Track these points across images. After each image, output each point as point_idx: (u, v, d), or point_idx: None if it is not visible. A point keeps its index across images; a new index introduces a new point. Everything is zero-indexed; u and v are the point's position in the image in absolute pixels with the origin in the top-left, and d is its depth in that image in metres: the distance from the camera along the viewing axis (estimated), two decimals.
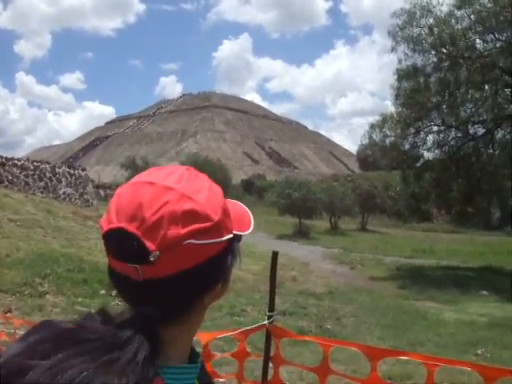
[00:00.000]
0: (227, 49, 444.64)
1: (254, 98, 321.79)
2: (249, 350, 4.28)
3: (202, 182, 1.14)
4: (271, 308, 3.90)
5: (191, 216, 0.99)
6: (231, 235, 1.08)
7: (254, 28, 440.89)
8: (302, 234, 36.54)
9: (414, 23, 23.02)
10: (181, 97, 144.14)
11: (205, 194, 1.08)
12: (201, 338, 4.02)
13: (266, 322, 3.78)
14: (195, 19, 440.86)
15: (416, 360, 3.23)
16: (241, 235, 1.13)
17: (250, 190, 68.28)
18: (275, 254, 3.91)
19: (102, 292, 11.70)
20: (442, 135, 24.57)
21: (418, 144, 24.78)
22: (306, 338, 4.23)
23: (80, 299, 11.23)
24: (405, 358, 3.60)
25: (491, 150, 23.99)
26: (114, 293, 9.14)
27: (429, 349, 9.36)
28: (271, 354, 3.59)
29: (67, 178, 34.82)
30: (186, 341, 1.10)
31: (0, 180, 29.93)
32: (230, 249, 1.09)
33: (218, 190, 1.17)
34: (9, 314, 8.51)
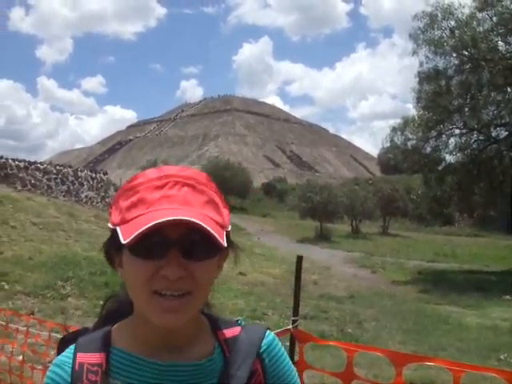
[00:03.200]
0: (247, 52, 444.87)
1: (274, 101, 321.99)
2: None
3: None
4: (295, 312, 3.89)
5: None
6: (111, 226, 1.19)
7: (275, 31, 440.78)
8: (323, 237, 36.45)
9: (436, 26, 22.95)
10: (202, 100, 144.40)
11: None
12: None
13: (290, 326, 3.78)
14: (215, 23, 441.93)
15: (439, 365, 3.21)
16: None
17: (271, 193, 68.23)
18: (300, 259, 3.91)
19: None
20: (463, 138, 24.46)
21: (440, 147, 24.69)
22: (331, 343, 4.20)
23: (101, 302, 11.28)
24: (428, 363, 3.58)
25: None
26: None
27: (451, 353, 9.30)
28: (295, 359, 3.58)
29: (89, 182, 35.07)
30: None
31: (23, 184, 30.20)
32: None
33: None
34: (32, 317, 8.56)
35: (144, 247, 1.11)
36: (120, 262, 1.20)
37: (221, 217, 1.19)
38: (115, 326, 1.29)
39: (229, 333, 1.32)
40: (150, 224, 1.07)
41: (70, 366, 1.20)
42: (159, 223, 1.06)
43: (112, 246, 1.21)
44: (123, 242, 1.10)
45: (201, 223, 1.08)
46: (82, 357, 1.21)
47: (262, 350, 1.30)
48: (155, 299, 1.12)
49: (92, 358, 1.21)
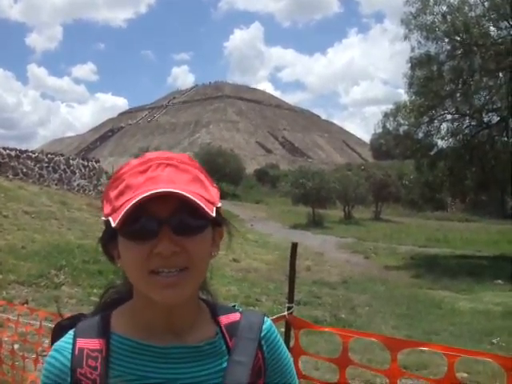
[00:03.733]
0: (238, 38, 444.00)
1: (266, 87, 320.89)
2: None
3: None
4: (291, 299, 3.89)
5: None
6: (104, 218, 1.21)
7: (265, 17, 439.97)
8: (315, 223, 36.52)
9: (428, 11, 22.91)
10: (193, 87, 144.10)
11: None
12: None
13: (285, 312, 3.78)
14: (206, 9, 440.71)
15: (433, 350, 3.23)
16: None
17: (264, 179, 68.18)
18: (294, 246, 3.90)
19: (114, 283, 11.75)
20: (455, 123, 24.49)
21: (432, 132, 24.71)
22: (326, 330, 4.21)
23: (95, 290, 11.27)
24: (423, 348, 3.59)
25: (505, 138, 23.83)
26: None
27: (444, 338, 9.36)
28: (290, 345, 3.59)
29: (81, 170, 34.96)
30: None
31: (15, 172, 30.09)
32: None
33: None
34: (26, 306, 8.57)
35: (136, 230, 1.14)
36: (118, 254, 1.22)
37: (207, 193, 1.21)
38: (114, 311, 1.30)
39: (228, 318, 1.34)
40: (134, 201, 1.10)
41: (70, 351, 1.21)
42: (143, 199, 1.10)
43: (108, 239, 1.23)
44: (113, 226, 1.13)
45: (184, 193, 1.11)
46: (82, 342, 1.22)
47: (261, 336, 1.33)
48: (153, 278, 1.14)
49: (92, 343, 1.22)
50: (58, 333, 1.35)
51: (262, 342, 1.33)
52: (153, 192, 1.10)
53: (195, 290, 1.26)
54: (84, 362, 1.19)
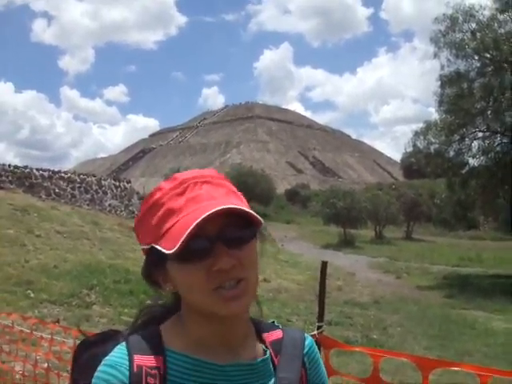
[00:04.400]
0: (268, 58, 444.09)
1: (296, 107, 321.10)
2: None
3: None
4: (320, 318, 3.87)
5: None
6: (145, 246, 1.22)
7: (295, 37, 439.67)
8: (346, 243, 36.38)
9: (457, 28, 22.87)
10: (224, 108, 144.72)
11: None
12: None
13: (315, 332, 3.76)
14: (236, 30, 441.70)
15: (465, 370, 3.18)
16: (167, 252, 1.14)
17: (294, 199, 68.12)
18: (324, 264, 3.89)
19: (148, 302, 11.78)
20: (487, 141, 24.28)
21: (463, 151, 24.53)
22: (357, 349, 4.18)
23: (126, 310, 11.32)
24: (455, 368, 3.55)
25: None
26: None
27: (477, 359, 9.22)
28: None
29: (113, 191, 35.26)
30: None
31: (47, 193, 30.45)
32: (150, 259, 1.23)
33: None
34: (57, 324, 8.62)
35: (190, 252, 1.13)
36: (165, 278, 1.22)
37: (244, 204, 1.21)
38: (161, 326, 1.28)
39: (272, 336, 1.35)
40: (197, 221, 1.09)
41: (127, 367, 1.17)
42: (203, 218, 1.09)
43: (152, 266, 1.23)
44: (169, 252, 1.12)
45: (234, 206, 1.12)
46: (140, 358, 1.18)
47: (304, 353, 1.34)
48: (217, 293, 1.14)
49: (149, 360, 1.19)
50: (84, 350, 1.33)
51: (305, 359, 1.33)
52: (210, 212, 1.10)
53: (251, 302, 1.26)
54: (144, 380, 1.16)
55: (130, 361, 1.18)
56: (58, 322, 9.88)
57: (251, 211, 1.14)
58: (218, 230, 1.14)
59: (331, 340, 3.97)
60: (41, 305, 11.45)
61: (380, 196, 43.27)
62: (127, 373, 1.16)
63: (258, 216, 1.16)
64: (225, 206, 1.11)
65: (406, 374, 7.01)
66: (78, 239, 19.35)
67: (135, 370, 1.16)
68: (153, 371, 1.17)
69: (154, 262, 1.21)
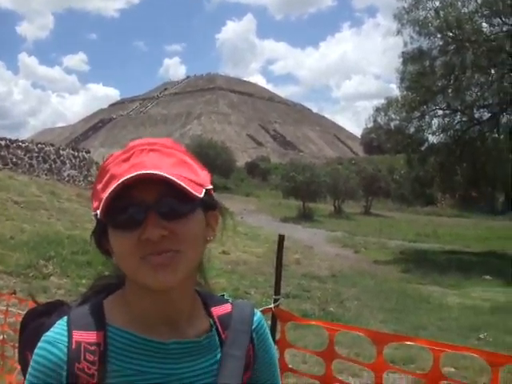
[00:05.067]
0: (231, 30, 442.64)
1: (258, 80, 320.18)
2: None
3: None
4: (277, 291, 3.88)
5: None
6: (93, 212, 1.18)
7: (258, 9, 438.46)
8: (305, 217, 36.53)
9: (420, 6, 22.98)
10: (185, 79, 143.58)
11: None
12: None
13: (271, 305, 3.77)
14: (199, 0, 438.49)
15: (421, 345, 3.23)
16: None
17: (254, 172, 68.13)
18: (281, 238, 3.89)
19: (105, 274, 11.72)
20: (447, 119, 24.57)
21: (423, 128, 24.79)
22: (313, 323, 4.20)
23: (84, 281, 11.21)
24: (409, 342, 3.60)
25: (496, 135, 23.92)
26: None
27: (432, 333, 9.38)
28: (276, 338, 3.58)
29: (71, 161, 34.86)
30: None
31: (4, 162, 29.96)
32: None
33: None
34: (14, 296, 8.53)
35: (122, 218, 1.12)
36: (111, 247, 1.19)
37: (195, 175, 1.18)
38: (105, 301, 1.26)
39: (221, 310, 1.33)
40: (113, 187, 1.09)
41: (66, 344, 1.15)
42: (126, 185, 1.08)
43: (100, 233, 1.21)
44: (99, 216, 1.12)
45: (165, 175, 1.09)
46: (79, 335, 1.17)
47: (252, 328, 1.33)
48: (145, 261, 1.11)
49: (89, 336, 1.17)
50: (31, 319, 1.34)
51: (253, 335, 1.33)
52: (131, 175, 1.08)
53: (190, 277, 1.22)
54: (82, 357, 1.14)
55: (69, 337, 1.17)
56: (14, 293, 9.78)
57: (184, 185, 1.10)
58: (154, 200, 1.12)
59: (287, 313, 3.97)
60: None
61: (340, 171, 43.47)
62: (65, 349, 1.15)
63: (195, 192, 1.12)
64: (150, 172, 1.09)
65: (363, 347, 7.10)
66: (35, 209, 19.14)
67: (73, 346, 1.16)
68: (92, 347, 1.16)
69: (100, 229, 1.19)
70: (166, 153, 1.18)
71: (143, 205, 1.12)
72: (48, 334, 1.18)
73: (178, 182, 1.09)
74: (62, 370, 1.14)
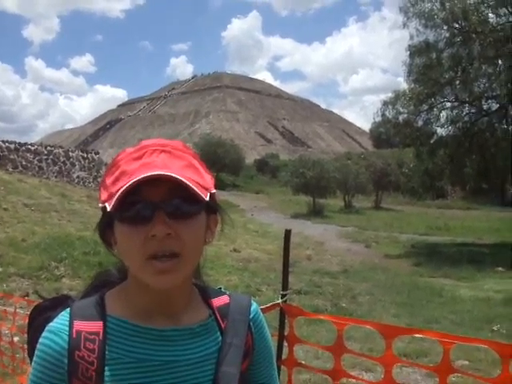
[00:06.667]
0: (236, 27, 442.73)
1: (265, 76, 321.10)
2: None
3: None
4: (285, 287, 3.89)
5: None
6: (101, 205, 1.24)
7: (263, 6, 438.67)
8: (316, 212, 36.47)
9: None
10: (192, 78, 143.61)
11: None
12: None
13: (279, 300, 3.78)
14: None
15: (431, 338, 3.23)
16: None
17: (264, 169, 68.13)
18: (288, 233, 3.90)
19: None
20: (455, 111, 24.45)
21: (432, 120, 24.68)
22: (320, 317, 4.21)
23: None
24: (420, 335, 3.60)
25: (505, 126, 23.81)
26: None
27: (444, 326, 9.36)
28: (285, 333, 3.59)
29: (81, 162, 34.97)
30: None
31: (14, 165, 30.11)
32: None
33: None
34: (26, 298, 8.58)
35: (131, 214, 1.17)
36: (115, 240, 1.24)
37: (202, 179, 1.24)
38: (107, 293, 1.33)
39: (219, 301, 1.39)
40: (127, 184, 1.14)
41: (67, 333, 1.22)
42: (137, 183, 1.14)
43: (105, 225, 1.26)
44: (109, 210, 1.17)
45: (177, 176, 1.15)
46: (79, 324, 1.24)
47: (250, 318, 1.38)
48: (149, 263, 1.17)
49: (89, 325, 1.24)
50: (38, 314, 1.40)
51: (251, 324, 1.38)
52: (146, 175, 1.14)
53: (188, 276, 1.29)
54: (82, 345, 1.21)
55: (70, 327, 1.23)
56: (27, 295, 9.83)
57: (194, 187, 1.16)
58: (162, 199, 1.17)
59: (296, 308, 3.99)
60: (9, 279, 11.36)
61: (349, 166, 43.36)
62: (67, 338, 1.22)
63: (200, 193, 1.18)
64: (163, 173, 1.15)
65: (375, 341, 7.08)
66: (46, 212, 19.21)
67: (74, 335, 1.22)
68: (92, 336, 1.22)
69: (106, 221, 1.25)
70: (176, 155, 1.24)
71: (151, 203, 1.17)
72: (51, 324, 1.26)
73: (187, 182, 1.16)
74: (63, 358, 1.21)
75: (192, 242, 1.21)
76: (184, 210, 1.19)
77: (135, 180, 1.13)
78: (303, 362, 3.85)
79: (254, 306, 1.42)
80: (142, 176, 1.14)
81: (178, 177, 1.15)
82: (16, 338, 5.58)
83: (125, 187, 1.14)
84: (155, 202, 1.17)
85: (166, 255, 1.16)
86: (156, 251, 1.16)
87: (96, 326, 1.24)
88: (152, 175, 1.14)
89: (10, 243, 13.87)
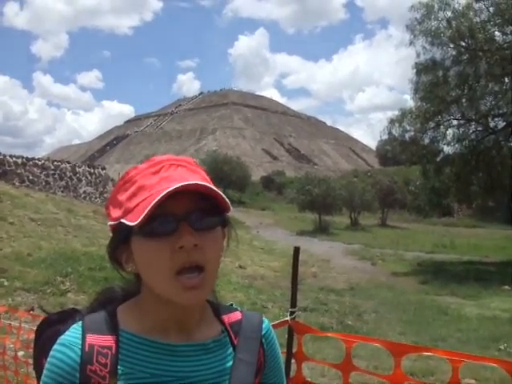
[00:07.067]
0: (243, 45, 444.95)
1: (271, 93, 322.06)
2: None
3: None
4: (293, 304, 3.88)
5: None
6: (113, 222, 1.24)
7: (270, 23, 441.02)
8: (322, 230, 36.47)
9: (432, 16, 22.94)
10: (199, 94, 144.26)
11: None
12: None
13: (288, 318, 3.76)
14: (211, 16, 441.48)
15: (439, 356, 3.21)
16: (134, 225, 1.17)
17: (270, 186, 68.21)
18: (297, 250, 3.89)
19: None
20: (461, 129, 24.46)
21: (438, 138, 24.69)
22: (329, 335, 4.19)
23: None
24: (427, 353, 3.57)
25: (511, 144, 23.78)
26: None
27: (451, 344, 9.31)
28: (293, 351, 3.57)
29: (87, 177, 35.05)
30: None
31: (21, 180, 30.17)
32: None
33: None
34: (32, 313, 8.56)
35: (155, 227, 1.17)
36: (128, 257, 1.24)
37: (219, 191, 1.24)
38: (119, 308, 1.32)
39: (231, 317, 1.39)
40: (159, 197, 1.12)
41: (79, 346, 1.21)
42: (170, 192, 1.13)
43: (118, 242, 1.25)
44: (133, 223, 1.15)
45: (207, 184, 1.17)
46: (92, 338, 1.22)
47: (262, 334, 1.39)
48: (177, 280, 1.16)
49: (102, 339, 1.23)
50: (46, 327, 1.39)
51: (263, 341, 1.38)
52: (178, 185, 1.13)
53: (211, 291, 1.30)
54: (94, 359, 1.20)
55: (83, 340, 1.22)
56: (32, 310, 9.82)
57: (221, 193, 1.17)
58: (185, 211, 1.18)
59: (304, 326, 3.97)
60: (15, 293, 11.35)
61: (355, 183, 43.45)
62: (79, 352, 1.20)
63: (228, 200, 1.20)
64: (197, 182, 1.16)
65: (381, 359, 7.06)
66: (52, 226, 19.20)
67: (87, 349, 1.21)
68: (104, 350, 1.21)
69: (121, 238, 1.23)
70: (191, 169, 1.26)
71: (175, 216, 1.17)
72: (63, 337, 1.24)
73: (214, 188, 1.18)
74: (75, 372, 1.19)
75: (214, 255, 1.22)
76: (206, 222, 1.20)
77: (169, 190, 1.12)
78: (311, 380, 3.81)
79: (266, 322, 1.43)
80: (176, 186, 1.13)
81: (207, 184, 1.17)
82: (20, 353, 5.56)
83: (156, 200, 1.12)
84: (178, 215, 1.17)
85: (192, 267, 1.16)
86: (184, 263, 1.16)
87: (109, 340, 1.23)
88: (188, 184, 1.14)
89: (15, 257, 13.87)
